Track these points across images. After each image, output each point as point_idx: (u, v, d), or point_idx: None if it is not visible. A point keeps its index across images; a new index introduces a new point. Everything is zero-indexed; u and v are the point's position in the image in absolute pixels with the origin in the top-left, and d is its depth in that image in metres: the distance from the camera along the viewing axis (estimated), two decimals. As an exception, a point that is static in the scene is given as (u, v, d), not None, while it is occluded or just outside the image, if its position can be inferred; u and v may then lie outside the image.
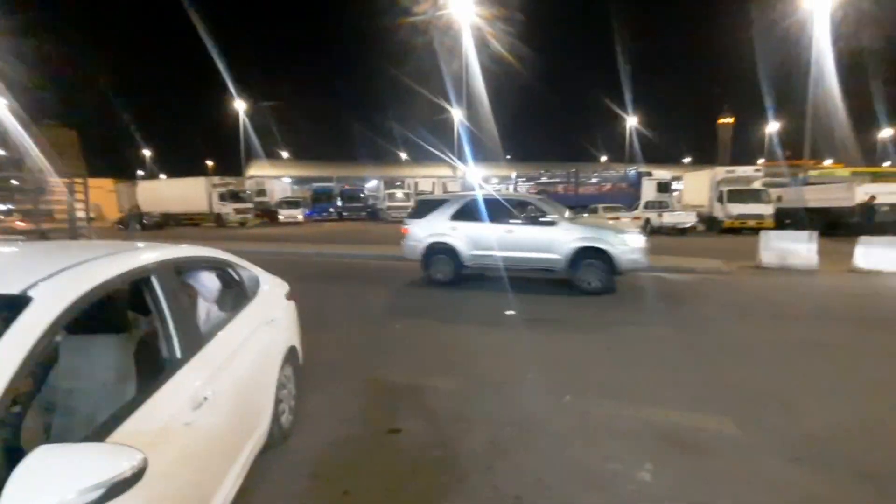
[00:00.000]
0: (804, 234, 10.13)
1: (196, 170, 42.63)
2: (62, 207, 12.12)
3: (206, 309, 2.63)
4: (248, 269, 3.15)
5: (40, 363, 1.54)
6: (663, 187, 22.38)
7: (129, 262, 1.87)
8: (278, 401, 2.87)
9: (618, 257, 7.51)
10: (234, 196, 28.79)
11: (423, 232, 8.66)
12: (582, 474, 2.74)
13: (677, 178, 27.29)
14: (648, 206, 20.58)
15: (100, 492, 1.08)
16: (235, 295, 2.88)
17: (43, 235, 10.94)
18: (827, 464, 2.83)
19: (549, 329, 5.83)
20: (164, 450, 1.55)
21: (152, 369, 1.85)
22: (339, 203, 33.75)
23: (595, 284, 7.63)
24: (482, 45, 27.48)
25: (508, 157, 48.66)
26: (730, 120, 74.66)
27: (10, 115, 11.38)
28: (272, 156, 51.96)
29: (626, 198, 24.34)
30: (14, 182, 11.97)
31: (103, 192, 30.33)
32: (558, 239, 7.82)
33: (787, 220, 18.29)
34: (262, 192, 33.91)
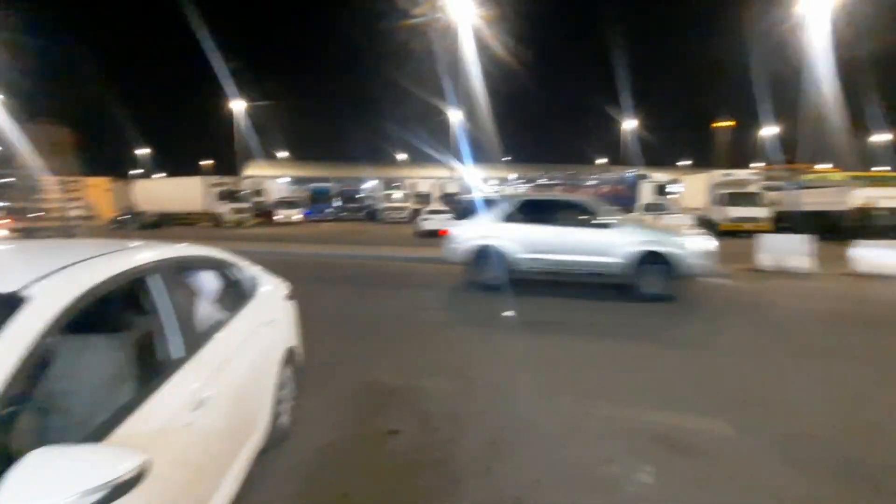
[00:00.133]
0: (801, 237, 10.17)
1: (195, 169, 42.54)
2: (55, 206, 12.05)
3: (205, 309, 2.61)
4: (248, 269, 3.13)
5: (37, 364, 1.52)
6: (661, 190, 22.45)
7: (127, 261, 1.86)
8: (277, 402, 2.85)
9: (682, 262, 7.16)
10: (232, 196, 28.71)
11: (470, 234, 8.25)
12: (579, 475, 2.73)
13: (675, 181, 27.36)
14: (646, 208, 20.63)
15: (102, 493, 1.07)
16: (235, 295, 2.86)
17: (30, 235, 10.82)
18: (824, 466, 2.83)
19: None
20: (163, 451, 1.54)
21: (151, 370, 1.84)
22: (338, 203, 33.73)
23: (655, 291, 7.25)
24: (481, 46, 27.51)
25: (507, 158, 48.72)
26: (727, 123, 74.89)
27: (2, 113, 11.30)
28: (270, 156, 51.86)
29: (624, 200, 24.36)
30: (5, 180, 11.90)
31: (100, 191, 30.24)
32: (615, 242, 7.44)
33: (783, 223, 18.38)
34: (259, 192, 33.84)
